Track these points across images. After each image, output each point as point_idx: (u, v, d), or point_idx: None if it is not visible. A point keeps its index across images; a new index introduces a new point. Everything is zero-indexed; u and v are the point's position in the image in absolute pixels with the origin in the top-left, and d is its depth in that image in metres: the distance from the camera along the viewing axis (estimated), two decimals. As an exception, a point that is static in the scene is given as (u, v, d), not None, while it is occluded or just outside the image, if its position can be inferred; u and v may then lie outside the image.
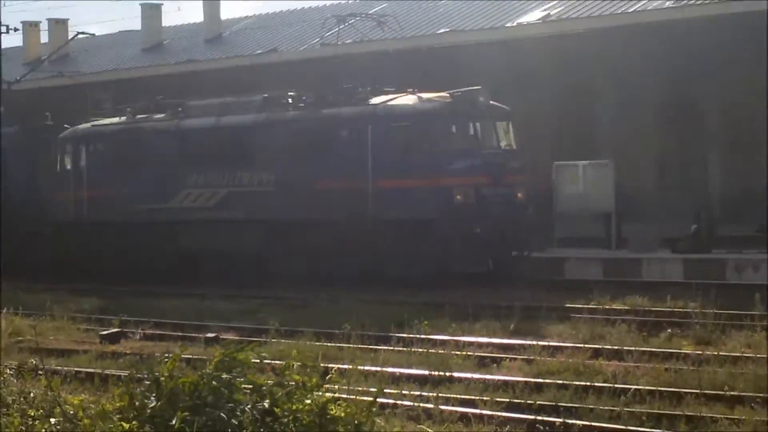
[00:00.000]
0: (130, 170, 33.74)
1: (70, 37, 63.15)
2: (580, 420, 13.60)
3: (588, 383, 15.80)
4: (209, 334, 21.75)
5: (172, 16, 59.11)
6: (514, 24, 44.21)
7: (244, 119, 31.98)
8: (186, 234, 32.42)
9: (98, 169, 34.58)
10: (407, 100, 29.91)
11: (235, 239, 31.06)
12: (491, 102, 30.11)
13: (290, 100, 32.42)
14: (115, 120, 35.79)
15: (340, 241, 29.36)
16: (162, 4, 63.88)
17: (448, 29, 45.83)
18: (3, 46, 55.74)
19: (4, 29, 55.11)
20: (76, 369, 17.78)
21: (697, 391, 14.96)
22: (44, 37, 67.35)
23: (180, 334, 22.86)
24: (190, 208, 32.38)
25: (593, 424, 13.45)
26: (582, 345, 19.40)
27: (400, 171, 28.48)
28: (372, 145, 28.80)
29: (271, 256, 30.79)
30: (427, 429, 9.94)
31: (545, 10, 44.32)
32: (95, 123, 36.10)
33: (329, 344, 19.56)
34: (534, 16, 44.19)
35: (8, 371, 11.46)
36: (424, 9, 50.65)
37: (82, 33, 61.36)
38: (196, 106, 33.89)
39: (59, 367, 16.94)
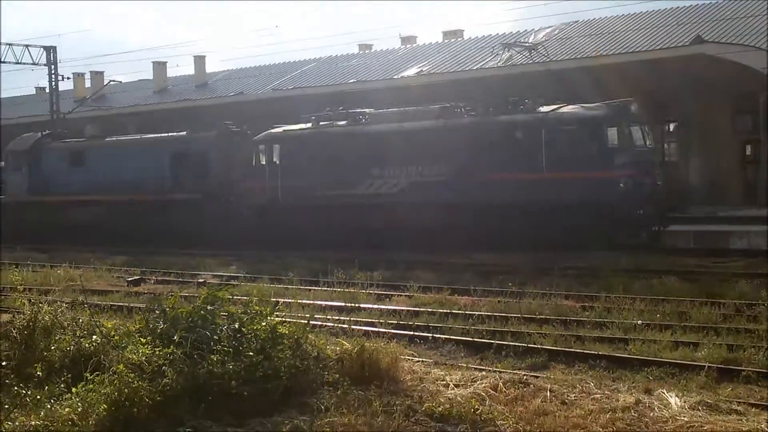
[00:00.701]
0: (318, 164, 30.93)
1: (105, 83, 62.49)
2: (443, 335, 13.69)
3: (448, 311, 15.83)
4: (200, 280, 21.59)
5: (173, 70, 58.60)
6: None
7: (424, 124, 29.31)
8: (371, 213, 29.60)
9: (290, 164, 31.78)
10: (573, 108, 27.32)
11: (415, 217, 28.36)
12: (638, 110, 27.80)
13: (463, 110, 29.44)
14: (302, 126, 32.60)
15: (509, 218, 26.70)
16: (166, 62, 63.64)
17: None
18: (60, 89, 55.10)
19: (61, 77, 54.49)
20: (110, 303, 17.60)
21: (518, 315, 15.08)
22: (87, 83, 66.57)
23: (180, 280, 22.72)
24: (376, 194, 29.77)
25: (452, 337, 13.54)
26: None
27: (571, 165, 25.99)
28: (545, 144, 26.40)
29: (444, 230, 27.96)
30: (343, 341, 9.91)
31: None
32: (285, 128, 33.00)
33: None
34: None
35: (64, 305, 11.31)
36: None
37: (113, 81, 60.65)
38: (378, 115, 31.26)
39: (99, 302, 16.79)
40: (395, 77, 44.69)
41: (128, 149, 38.59)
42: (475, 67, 41.66)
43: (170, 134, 38.12)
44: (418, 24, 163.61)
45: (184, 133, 36.93)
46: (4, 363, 9.20)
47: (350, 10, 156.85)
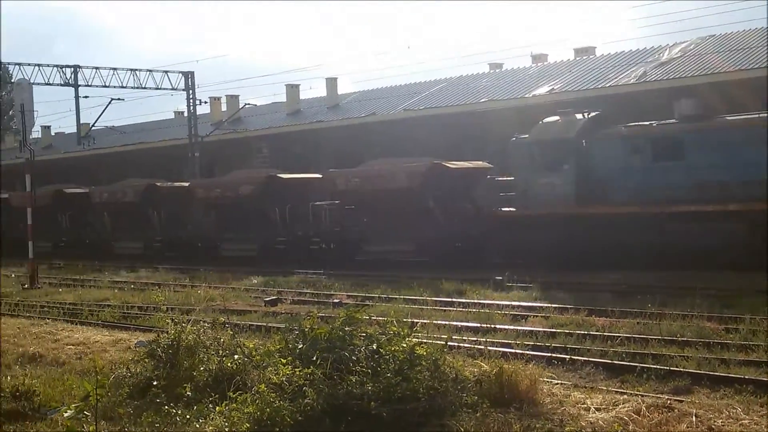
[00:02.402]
0: None
1: (240, 107, 64.00)
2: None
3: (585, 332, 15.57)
4: (335, 300, 21.79)
5: (305, 92, 59.98)
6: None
7: None
8: None
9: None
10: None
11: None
12: None
13: None
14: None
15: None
16: (299, 84, 64.65)
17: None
18: (198, 113, 56.70)
19: (198, 101, 56.12)
20: (249, 323, 17.91)
21: (659, 337, 14.71)
22: (223, 107, 68.21)
23: (315, 300, 22.96)
24: None
25: (590, 359, 13.30)
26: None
27: None
28: None
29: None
30: (481, 362, 9.84)
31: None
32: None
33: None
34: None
35: (206, 324, 11.56)
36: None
37: (248, 104, 62.07)
38: None
39: (238, 322, 17.09)
40: (526, 96, 44.39)
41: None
42: (607, 85, 41.01)
43: None
44: (549, 44, 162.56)
45: None
46: (155, 383, 9.47)
47: (480, 30, 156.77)
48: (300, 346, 9.48)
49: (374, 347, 9.31)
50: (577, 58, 50.68)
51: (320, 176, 38.63)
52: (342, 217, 35.63)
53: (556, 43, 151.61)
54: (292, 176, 39.96)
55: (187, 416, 8.33)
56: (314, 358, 9.00)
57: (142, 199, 45.42)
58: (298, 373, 8.71)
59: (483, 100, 46.56)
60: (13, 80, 59.57)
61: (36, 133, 73.03)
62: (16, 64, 53.59)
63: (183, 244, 42.05)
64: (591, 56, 50.33)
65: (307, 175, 40.35)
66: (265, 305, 21.93)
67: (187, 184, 45.27)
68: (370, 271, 29.47)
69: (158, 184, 46.32)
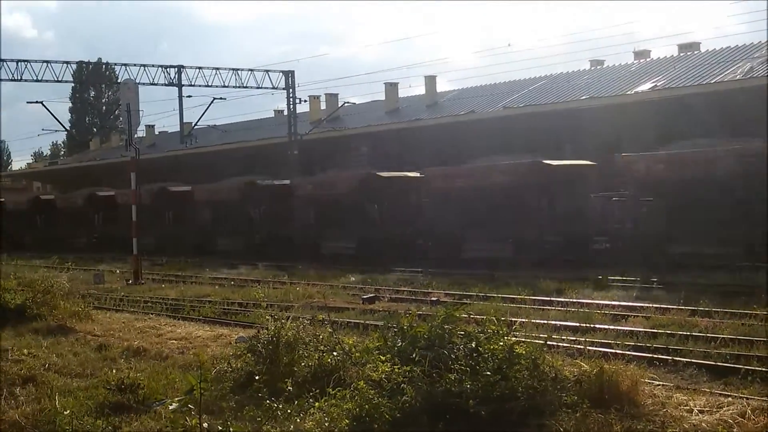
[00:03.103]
0: None
1: (339, 105, 64.46)
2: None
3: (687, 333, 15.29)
4: (432, 299, 21.80)
5: (404, 91, 59.97)
6: None
7: None
8: None
9: None
10: None
11: None
12: None
13: None
14: None
15: None
16: (398, 82, 64.89)
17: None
18: (298, 111, 57.28)
19: (298, 100, 56.67)
20: (347, 320, 18.03)
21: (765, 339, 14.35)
22: (323, 105, 68.75)
23: (412, 298, 22.98)
24: None
25: (693, 360, 13.05)
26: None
27: None
28: None
29: None
30: (581, 362, 9.73)
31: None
32: None
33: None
34: None
35: (306, 321, 11.68)
36: None
37: (347, 102, 62.46)
38: None
39: (336, 319, 17.20)
40: (628, 93, 43.75)
41: None
42: (712, 81, 40.15)
43: None
44: (653, 40, 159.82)
45: None
46: (257, 377, 9.62)
47: (582, 25, 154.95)
48: (399, 344, 9.52)
49: (473, 345, 9.28)
50: (681, 54, 49.77)
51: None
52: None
53: (659, 40, 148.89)
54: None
55: (288, 411, 8.44)
56: (413, 356, 9.03)
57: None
58: (396, 370, 8.74)
59: (583, 97, 46.06)
60: (119, 80, 61.13)
61: (140, 132, 74.59)
62: (122, 64, 54.93)
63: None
64: (695, 52, 49.38)
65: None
66: (362, 303, 22.06)
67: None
68: (467, 269, 29.35)
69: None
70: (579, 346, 12.01)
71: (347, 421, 8.13)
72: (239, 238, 44.80)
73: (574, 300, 20.08)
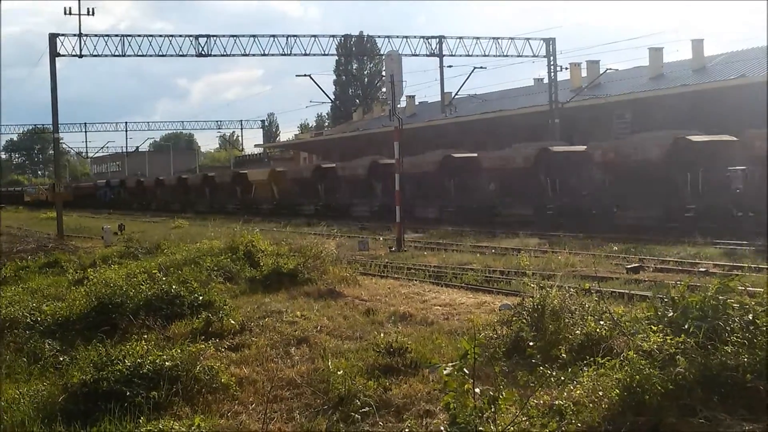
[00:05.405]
0: None
1: (600, 72, 63.26)
2: None
3: None
4: (701, 269, 21.10)
5: (670, 56, 58.12)
6: None
7: None
8: None
9: None
10: None
11: None
12: None
13: None
14: None
15: None
16: (663, 47, 62.98)
17: None
18: (558, 79, 56.73)
19: (559, 68, 56.13)
20: (611, 289, 17.72)
21: None
22: (584, 73, 67.73)
23: (679, 268, 22.31)
24: None
25: None
26: None
27: None
28: None
29: None
30: None
31: None
32: None
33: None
34: None
35: (572, 290, 11.58)
36: None
37: (609, 69, 61.21)
38: None
39: (600, 288, 16.92)
40: None
41: None
42: None
43: None
44: None
45: None
46: (530, 343, 9.67)
47: None
48: (670, 314, 9.28)
49: (749, 318, 8.91)
50: None
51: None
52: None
53: None
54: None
55: (562, 378, 8.43)
56: (686, 327, 8.78)
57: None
58: (669, 341, 8.52)
59: None
60: (381, 53, 62.52)
61: (402, 102, 76.20)
62: (385, 36, 56.29)
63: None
64: None
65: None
66: (627, 272, 21.62)
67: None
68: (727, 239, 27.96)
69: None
70: None
71: (617, 391, 8.02)
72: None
73: None
